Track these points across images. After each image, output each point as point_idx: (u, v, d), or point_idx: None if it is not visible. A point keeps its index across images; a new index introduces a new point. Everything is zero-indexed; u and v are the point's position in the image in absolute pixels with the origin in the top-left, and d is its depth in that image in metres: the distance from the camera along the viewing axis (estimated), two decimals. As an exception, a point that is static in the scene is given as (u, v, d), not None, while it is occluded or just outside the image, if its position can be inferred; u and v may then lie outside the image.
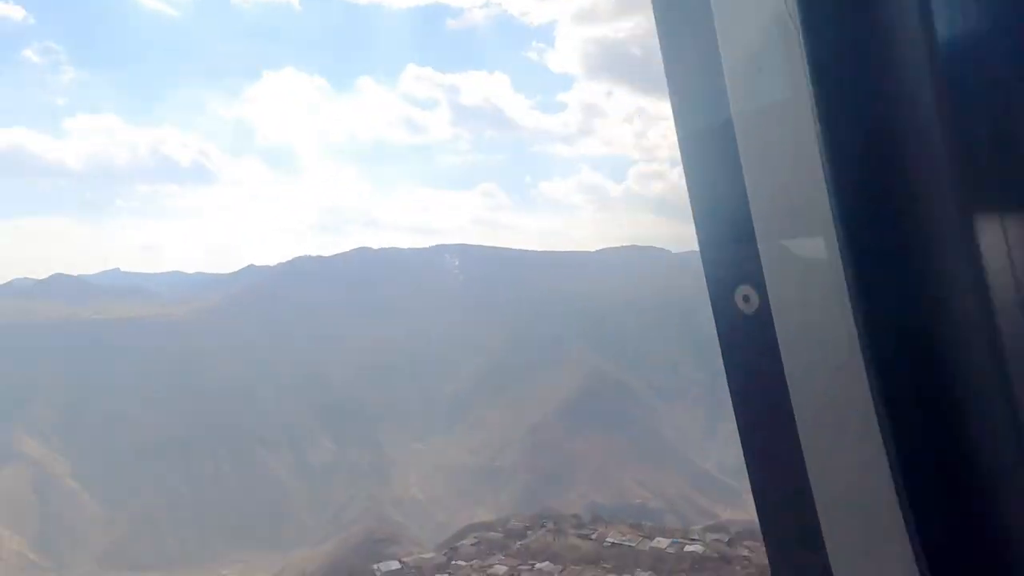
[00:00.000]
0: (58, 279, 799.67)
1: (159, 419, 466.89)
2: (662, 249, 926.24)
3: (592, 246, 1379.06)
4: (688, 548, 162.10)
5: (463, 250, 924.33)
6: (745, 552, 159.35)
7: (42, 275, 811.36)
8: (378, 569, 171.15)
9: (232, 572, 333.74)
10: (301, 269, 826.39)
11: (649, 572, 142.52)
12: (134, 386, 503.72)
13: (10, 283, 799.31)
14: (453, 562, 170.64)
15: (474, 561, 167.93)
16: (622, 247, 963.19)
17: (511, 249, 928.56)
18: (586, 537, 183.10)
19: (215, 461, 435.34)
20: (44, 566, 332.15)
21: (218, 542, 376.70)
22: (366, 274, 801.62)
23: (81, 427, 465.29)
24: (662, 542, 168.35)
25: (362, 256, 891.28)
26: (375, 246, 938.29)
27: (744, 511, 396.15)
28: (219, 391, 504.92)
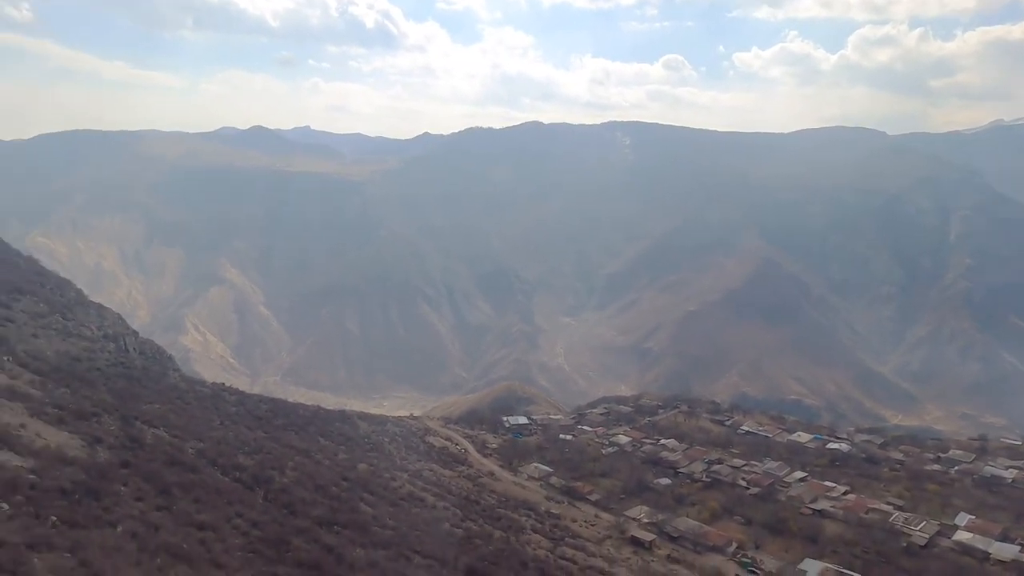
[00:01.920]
0: (257, 131, 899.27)
1: (338, 266, 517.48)
2: (876, 131, 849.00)
3: (787, 127, 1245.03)
4: (832, 445, 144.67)
5: (637, 128, 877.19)
6: (899, 456, 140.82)
7: (244, 126, 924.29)
8: (507, 420, 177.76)
9: (391, 403, 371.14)
10: (473, 140, 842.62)
11: (779, 462, 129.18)
12: (318, 235, 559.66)
13: (218, 131, 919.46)
14: (579, 426, 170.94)
15: (599, 428, 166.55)
16: (824, 128, 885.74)
17: (690, 128, 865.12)
18: (719, 423, 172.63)
19: (384, 309, 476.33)
20: (242, 371, 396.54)
21: (381, 378, 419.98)
22: (535, 148, 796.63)
23: (273, 264, 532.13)
24: (803, 436, 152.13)
25: (533, 130, 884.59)
26: (547, 121, 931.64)
27: (919, 418, 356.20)
28: (391, 248, 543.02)
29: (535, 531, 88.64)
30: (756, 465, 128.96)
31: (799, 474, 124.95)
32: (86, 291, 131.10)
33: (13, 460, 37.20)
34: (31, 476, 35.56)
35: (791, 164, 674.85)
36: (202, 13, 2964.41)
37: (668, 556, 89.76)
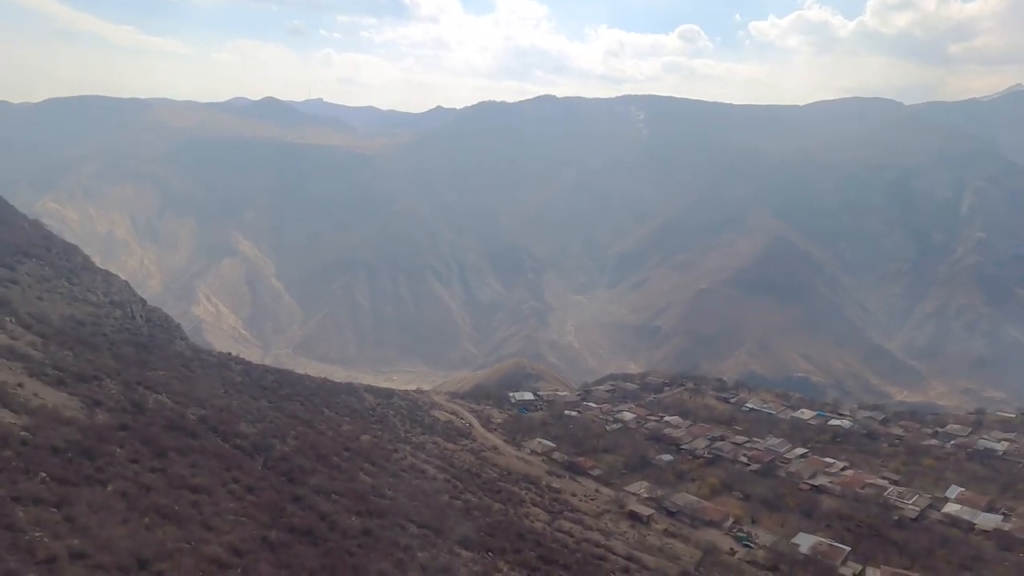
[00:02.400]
0: (269, 102, 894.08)
1: (349, 240, 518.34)
2: (892, 101, 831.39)
3: (803, 99, 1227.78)
4: (834, 422, 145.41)
5: (651, 102, 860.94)
6: (899, 431, 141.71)
7: (256, 97, 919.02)
8: (513, 396, 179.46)
9: (401, 378, 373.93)
10: (485, 114, 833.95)
11: (782, 439, 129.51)
12: (329, 208, 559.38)
13: (230, 101, 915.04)
14: (584, 402, 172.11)
15: (605, 405, 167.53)
16: (840, 99, 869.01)
17: (705, 102, 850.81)
18: (724, 400, 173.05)
19: (394, 284, 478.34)
20: (252, 342, 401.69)
21: (391, 352, 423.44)
22: (549, 123, 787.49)
23: (284, 237, 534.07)
24: (806, 413, 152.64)
25: (545, 105, 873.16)
26: (559, 95, 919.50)
27: (923, 394, 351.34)
28: (402, 223, 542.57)
29: (534, 504, 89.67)
30: (758, 442, 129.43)
31: (800, 450, 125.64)
32: (98, 259, 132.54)
33: (7, 417, 37.71)
34: (24, 433, 36.00)
35: (805, 138, 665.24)
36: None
37: (665, 530, 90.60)
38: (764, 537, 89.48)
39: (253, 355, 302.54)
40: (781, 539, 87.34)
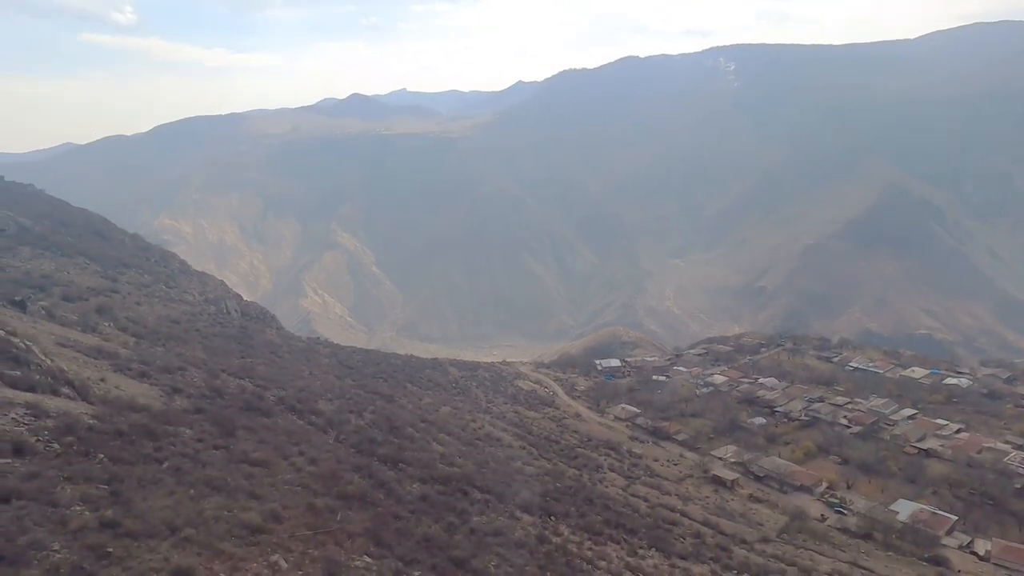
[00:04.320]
0: (356, 99, 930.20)
1: (441, 222, 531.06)
2: (1021, 23, 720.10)
3: (914, 31, 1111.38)
4: (949, 380, 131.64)
5: (741, 51, 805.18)
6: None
7: (343, 95, 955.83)
8: (599, 364, 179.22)
9: (501, 352, 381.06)
10: (567, 83, 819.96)
11: (887, 399, 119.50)
12: (420, 193, 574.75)
13: (319, 103, 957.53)
14: (675, 367, 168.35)
15: (695, 369, 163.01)
16: (959, 28, 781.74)
17: (801, 45, 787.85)
18: (826, 360, 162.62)
19: (488, 261, 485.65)
20: (359, 329, 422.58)
21: (489, 327, 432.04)
22: (632, 85, 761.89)
23: (380, 225, 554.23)
24: (917, 371, 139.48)
25: (628, 66, 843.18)
26: (642, 54, 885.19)
27: None
28: (491, 201, 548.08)
29: (612, 470, 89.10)
30: (860, 403, 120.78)
31: (908, 411, 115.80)
32: (213, 265, 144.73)
33: (80, 408, 41.60)
34: (91, 420, 39.35)
35: (919, 74, 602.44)
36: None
37: (750, 496, 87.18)
38: (860, 503, 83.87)
39: (359, 340, 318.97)
40: (877, 506, 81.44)
